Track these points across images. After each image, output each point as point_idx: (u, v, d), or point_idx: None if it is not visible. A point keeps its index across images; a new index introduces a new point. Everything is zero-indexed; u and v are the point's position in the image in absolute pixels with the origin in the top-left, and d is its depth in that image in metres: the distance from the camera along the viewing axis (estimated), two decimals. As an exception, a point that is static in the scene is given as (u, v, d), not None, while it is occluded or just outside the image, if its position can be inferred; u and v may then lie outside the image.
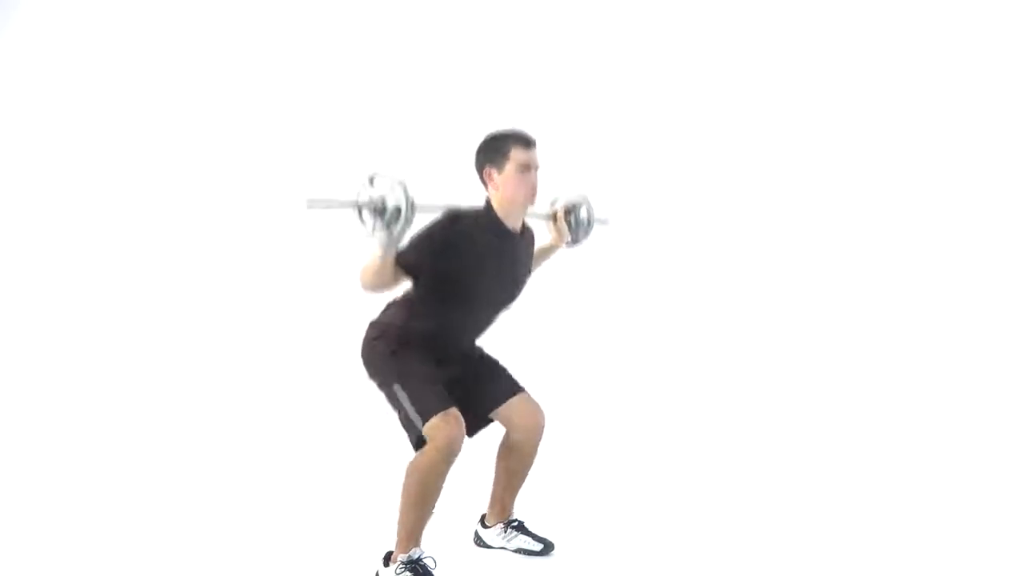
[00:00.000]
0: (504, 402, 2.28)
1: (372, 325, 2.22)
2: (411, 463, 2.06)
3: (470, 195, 2.22)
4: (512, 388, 2.31)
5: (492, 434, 2.33)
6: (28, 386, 4.35)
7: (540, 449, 2.35)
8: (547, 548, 2.38)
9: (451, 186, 2.38)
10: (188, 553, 2.39)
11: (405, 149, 4.35)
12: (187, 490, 2.94)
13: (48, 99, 5.10)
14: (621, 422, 3.75)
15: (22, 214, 5.13)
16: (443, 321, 2.17)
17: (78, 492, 2.93)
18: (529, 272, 2.34)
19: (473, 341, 2.32)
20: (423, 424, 2.03)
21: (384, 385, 2.14)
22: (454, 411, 2.06)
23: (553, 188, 2.47)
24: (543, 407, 2.33)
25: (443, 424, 2.02)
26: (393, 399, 2.11)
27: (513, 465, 2.36)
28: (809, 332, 3.95)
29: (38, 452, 3.40)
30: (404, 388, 2.08)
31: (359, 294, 2.07)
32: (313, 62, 4.74)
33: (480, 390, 2.27)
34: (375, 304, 2.21)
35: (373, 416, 2.86)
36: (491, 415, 2.29)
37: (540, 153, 2.18)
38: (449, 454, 2.01)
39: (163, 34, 4.92)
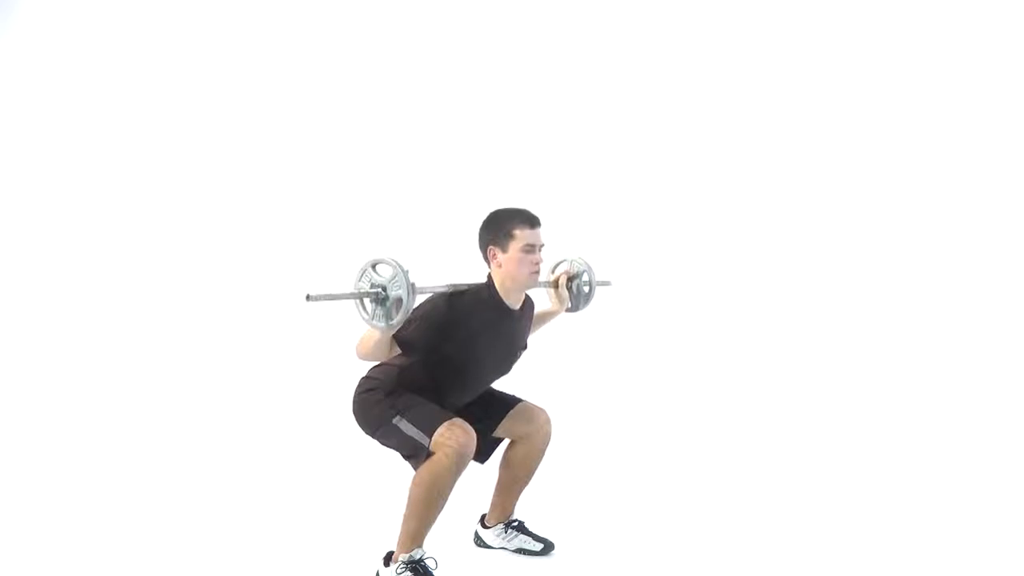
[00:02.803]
0: (503, 417, 2.28)
1: (363, 380, 2.20)
2: (421, 468, 2.03)
3: (470, 265, 2.22)
4: (507, 403, 2.31)
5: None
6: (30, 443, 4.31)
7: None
8: (547, 548, 2.38)
9: (452, 258, 2.35)
10: (189, 553, 2.39)
11: (405, 223, 4.39)
12: (188, 490, 2.95)
13: (48, 99, 5.10)
14: (620, 422, 3.75)
15: (22, 215, 5.14)
16: (434, 388, 2.14)
17: (79, 495, 2.93)
18: (526, 346, 2.31)
19: (466, 403, 2.28)
20: (430, 441, 2.01)
21: (382, 426, 2.09)
22: (459, 420, 2.04)
23: (555, 251, 2.43)
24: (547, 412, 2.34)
25: (450, 431, 2.01)
26: (395, 433, 2.07)
27: (517, 472, 2.36)
28: (810, 396, 3.88)
29: (40, 464, 3.41)
30: (404, 416, 2.06)
31: (354, 361, 2.08)
32: (312, 135, 4.76)
33: (478, 416, 2.23)
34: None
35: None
36: (495, 434, 2.29)
37: (543, 229, 2.16)
38: (459, 459, 1.99)
39: (160, 63, 4.95)
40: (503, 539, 2.40)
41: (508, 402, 2.32)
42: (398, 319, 1.88)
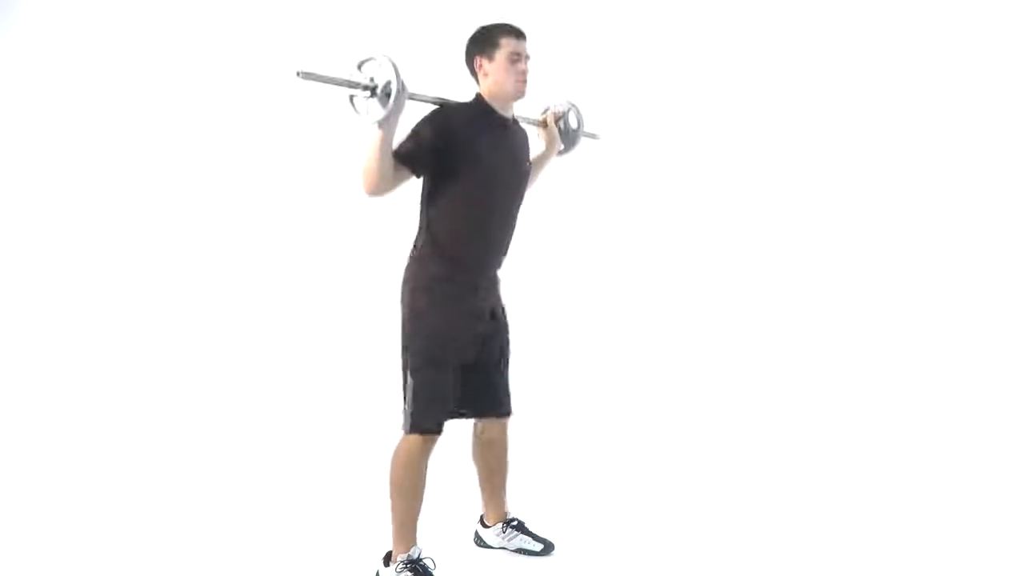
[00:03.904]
0: (488, 418, 2.31)
1: (408, 267, 2.19)
2: (392, 456, 2.12)
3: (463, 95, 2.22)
4: (504, 409, 2.32)
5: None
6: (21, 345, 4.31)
7: (541, 448, 2.35)
8: (547, 548, 2.38)
9: (443, 85, 2.35)
10: (188, 553, 2.39)
11: (396, 47, 4.23)
12: (187, 489, 2.94)
13: (48, 99, 5.10)
14: (620, 422, 3.75)
15: (22, 207, 5.14)
16: (464, 234, 2.14)
17: (76, 490, 2.92)
18: (530, 170, 2.33)
19: (498, 262, 2.27)
20: (410, 426, 2.10)
21: (402, 353, 2.16)
22: (436, 437, 2.12)
23: (543, 99, 2.50)
24: (536, 406, 2.36)
25: (423, 436, 2.10)
26: (403, 375, 2.15)
27: (489, 460, 2.38)
28: (806, 272, 3.83)
29: (32, 443, 3.40)
30: (414, 377, 2.11)
31: (361, 197, 2.04)
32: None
33: (478, 394, 2.25)
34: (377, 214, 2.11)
35: (373, 415, 2.87)
36: (470, 416, 2.31)
37: (532, 56, 2.18)
38: (424, 446, 2.10)
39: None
40: (503, 539, 2.40)
41: (505, 409, 2.32)
42: (391, 107, 1.89)
